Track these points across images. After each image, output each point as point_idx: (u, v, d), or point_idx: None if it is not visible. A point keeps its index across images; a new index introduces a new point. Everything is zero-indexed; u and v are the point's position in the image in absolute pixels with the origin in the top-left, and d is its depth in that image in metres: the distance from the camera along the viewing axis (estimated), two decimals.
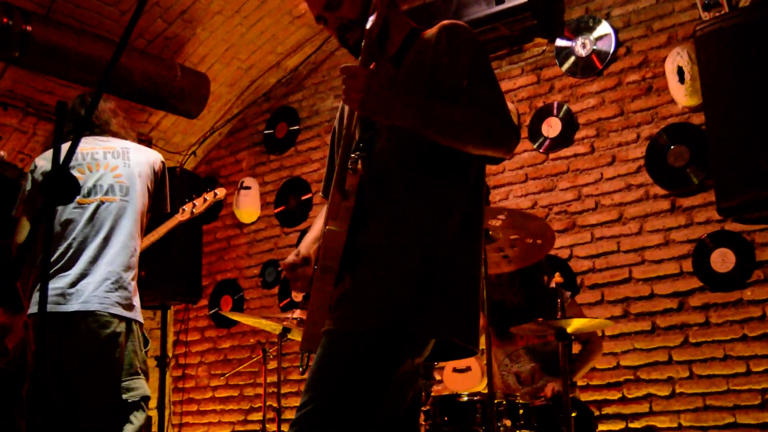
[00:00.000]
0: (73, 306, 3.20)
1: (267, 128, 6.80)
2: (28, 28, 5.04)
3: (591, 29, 5.25)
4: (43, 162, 3.47)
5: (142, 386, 3.35)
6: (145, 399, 3.32)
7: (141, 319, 3.40)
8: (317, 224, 2.47)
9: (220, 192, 4.40)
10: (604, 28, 5.20)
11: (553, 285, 4.43)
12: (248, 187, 6.63)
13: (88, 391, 3.23)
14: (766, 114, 4.16)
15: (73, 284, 3.23)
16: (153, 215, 3.65)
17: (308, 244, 2.41)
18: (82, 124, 3.54)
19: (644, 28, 5.09)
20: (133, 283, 3.41)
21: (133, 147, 3.59)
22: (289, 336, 4.49)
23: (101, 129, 3.56)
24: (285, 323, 4.40)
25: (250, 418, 6.34)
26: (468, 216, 2.21)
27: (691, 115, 4.82)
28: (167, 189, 3.67)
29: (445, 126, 2.09)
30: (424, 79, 2.20)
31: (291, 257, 2.34)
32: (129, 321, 3.32)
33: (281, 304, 6.31)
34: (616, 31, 5.16)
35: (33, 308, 3.28)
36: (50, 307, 3.18)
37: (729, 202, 4.28)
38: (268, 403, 4.70)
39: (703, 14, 4.72)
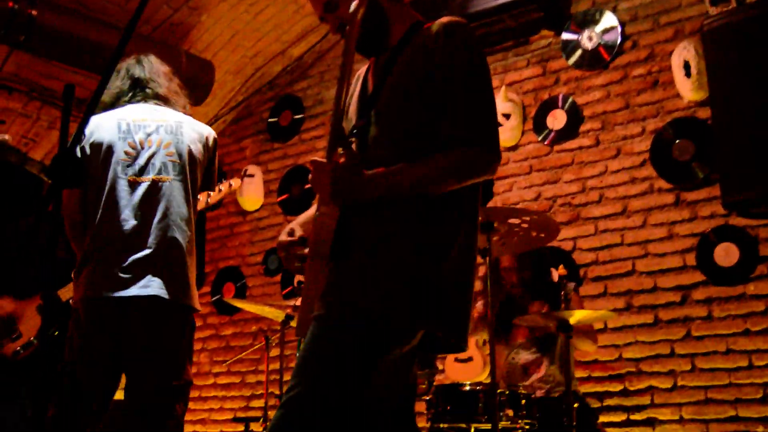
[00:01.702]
0: (132, 291, 3.03)
1: (271, 116, 6.80)
2: (34, 12, 5.02)
3: (597, 22, 5.23)
4: (93, 127, 3.19)
5: (187, 371, 3.25)
6: (188, 384, 3.24)
7: (198, 306, 3.24)
8: (314, 205, 2.48)
9: (235, 182, 4.33)
10: (610, 21, 5.19)
11: (556, 277, 4.45)
12: (252, 175, 6.63)
13: (141, 376, 3.11)
14: None
15: (129, 269, 3.06)
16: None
17: (301, 222, 2.42)
18: (135, 86, 3.32)
19: (651, 22, 5.08)
20: (192, 268, 3.22)
21: (187, 121, 3.35)
22: (292, 323, 4.50)
23: (154, 93, 3.34)
24: (287, 311, 4.42)
25: (251, 404, 6.36)
26: (463, 207, 2.22)
27: (697, 109, 4.82)
28: (216, 166, 3.45)
29: (417, 188, 2.14)
30: (417, 78, 2.21)
31: (284, 236, 2.33)
32: (186, 307, 3.17)
33: (284, 292, 6.32)
34: (623, 25, 5.15)
35: (88, 290, 3.06)
36: (106, 292, 3.02)
37: (734, 196, 4.28)
38: (269, 391, 4.70)
39: (710, 9, 4.71)
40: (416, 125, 2.20)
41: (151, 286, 3.05)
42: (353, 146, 2.24)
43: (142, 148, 3.20)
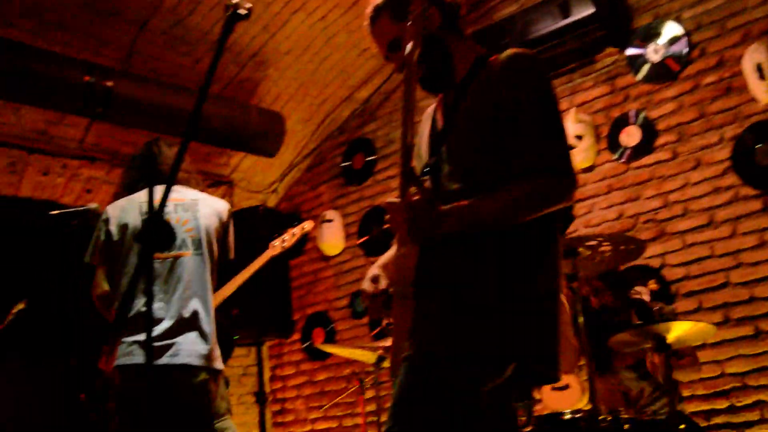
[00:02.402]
0: (162, 360, 3.27)
1: (344, 160, 6.88)
2: (109, 83, 5.23)
3: (662, 34, 5.16)
4: (118, 212, 3.52)
5: (230, 426, 3.54)
6: None
7: (222, 367, 3.50)
8: (394, 245, 2.50)
9: (308, 225, 4.44)
10: (675, 31, 5.12)
11: (647, 296, 4.34)
12: (330, 220, 6.72)
13: None
14: None
15: (159, 338, 3.29)
16: (219, 263, 3.72)
17: (383, 264, 2.46)
18: (153, 172, 3.63)
19: (717, 28, 4.98)
20: (214, 335, 3.49)
21: (202, 198, 3.66)
22: (384, 364, 4.50)
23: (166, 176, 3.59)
24: (379, 352, 4.43)
25: None
26: (542, 235, 2.22)
27: None
28: (232, 237, 3.72)
29: (494, 220, 2.14)
30: (485, 112, 2.22)
31: (368, 286, 2.40)
32: (214, 370, 3.42)
33: (372, 333, 6.33)
34: (689, 34, 5.07)
35: (122, 360, 3.32)
36: (139, 361, 3.26)
37: None
38: None
39: None
40: (488, 159, 2.21)
41: (180, 355, 3.31)
42: (426, 183, 2.26)
43: None
